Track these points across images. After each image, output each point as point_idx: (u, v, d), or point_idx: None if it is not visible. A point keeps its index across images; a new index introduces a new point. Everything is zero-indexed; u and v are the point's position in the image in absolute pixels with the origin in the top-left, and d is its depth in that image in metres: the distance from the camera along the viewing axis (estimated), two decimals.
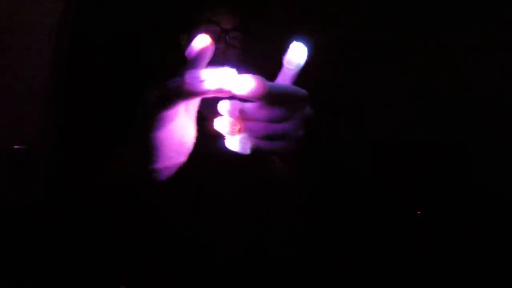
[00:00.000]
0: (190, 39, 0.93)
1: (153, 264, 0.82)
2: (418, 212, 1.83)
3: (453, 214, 1.80)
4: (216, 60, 0.89)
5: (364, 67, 1.92)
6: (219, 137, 0.42)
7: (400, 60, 1.88)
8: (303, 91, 0.43)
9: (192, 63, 0.42)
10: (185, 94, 0.39)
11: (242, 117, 0.41)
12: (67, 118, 1.24)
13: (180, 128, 0.45)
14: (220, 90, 0.40)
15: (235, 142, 0.40)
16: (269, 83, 0.40)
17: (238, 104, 0.42)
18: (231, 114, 0.41)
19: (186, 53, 0.44)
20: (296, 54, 0.42)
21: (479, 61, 1.80)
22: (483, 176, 1.80)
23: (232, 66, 0.88)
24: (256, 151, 0.41)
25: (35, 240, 1.21)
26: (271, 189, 0.75)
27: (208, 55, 0.44)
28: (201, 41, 0.43)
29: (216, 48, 0.88)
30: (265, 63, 0.78)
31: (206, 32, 0.91)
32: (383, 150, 1.93)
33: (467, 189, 1.82)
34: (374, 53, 1.89)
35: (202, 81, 0.39)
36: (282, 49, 0.44)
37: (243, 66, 0.93)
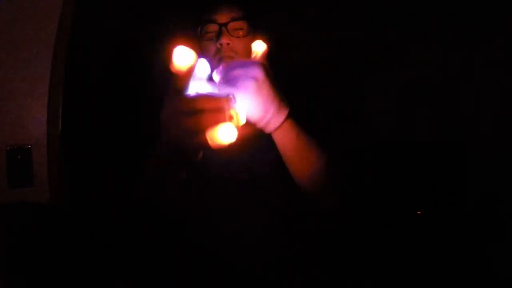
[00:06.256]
0: (199, 43, 0.93)
1: (159, 266, 0.82)
2: (418, 212, 1.83)
3: (452, 213, 1.80)
4: (226, 55, 0.88)
5: (365, 68, 1.92)
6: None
7: (400, 61, 1.88)
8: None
9: (179, 79, 0.51)
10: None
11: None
12: (69, 118, 1.24)
13: None
14: None
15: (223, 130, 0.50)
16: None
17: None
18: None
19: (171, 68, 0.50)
20: (258, 47, 0.67)
21: (479, 61, 1.80)
22: (482, 175, 1.81)
23: (241, 56, 0.88)
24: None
25: (35, 240, 1.20)
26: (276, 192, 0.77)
27: (191, 70, 0.51)
28: (181, 57, 0.49)
29: (220, 44, 0.88)
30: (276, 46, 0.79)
31: (207, 32, 0.90)
32: (384, 150, 1.93)
33: (466, 189, 1.82)
34: (374, 54, 1.90)
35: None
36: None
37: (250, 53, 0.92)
